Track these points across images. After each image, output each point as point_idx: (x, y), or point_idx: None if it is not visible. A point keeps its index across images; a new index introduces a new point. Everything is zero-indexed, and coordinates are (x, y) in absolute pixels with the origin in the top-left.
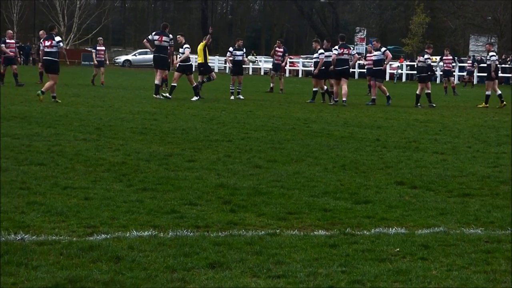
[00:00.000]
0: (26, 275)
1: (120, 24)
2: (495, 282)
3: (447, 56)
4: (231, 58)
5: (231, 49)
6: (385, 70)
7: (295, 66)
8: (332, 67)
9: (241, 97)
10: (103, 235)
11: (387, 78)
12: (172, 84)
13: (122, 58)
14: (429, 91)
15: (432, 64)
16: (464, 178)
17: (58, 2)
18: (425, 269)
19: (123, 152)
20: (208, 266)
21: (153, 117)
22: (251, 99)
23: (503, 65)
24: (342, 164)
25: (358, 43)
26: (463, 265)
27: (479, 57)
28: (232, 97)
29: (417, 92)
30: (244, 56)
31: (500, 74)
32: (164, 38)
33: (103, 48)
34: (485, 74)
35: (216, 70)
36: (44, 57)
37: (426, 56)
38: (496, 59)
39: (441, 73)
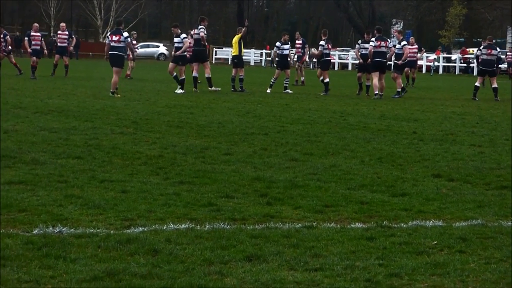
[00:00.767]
0: (65, 268)
1: (156, 18)
2: None
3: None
4: (278, 52)
5: (278, 44)
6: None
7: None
8: (369, 59)
9: (289, 91)
10: (140, 228)
11: (424, 70)
12: (180, 78)
13: None
14: (496, 86)
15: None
16: (501, 170)
17: None
18: (463, 262)
19: (159, 146)
20: (245, 259)
21: (189, 110)
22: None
23: None
24: (378, 157)
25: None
26: (501, 258)
27: None
28: (269, 90)
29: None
30: (290, 50)
31: None
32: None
33: (134, 42)
34: None
35: (251, 63)
36: (110, 51)
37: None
38: None
39: None
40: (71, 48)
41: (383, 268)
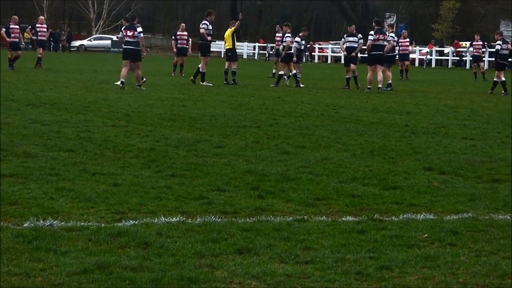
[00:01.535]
0: (55, 260)
1: (149, 11)
2: None
3: (477, 41)
4: (297, 47)
5: (298, 39)
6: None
7: (324, 52)
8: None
9: (302, 85)
10: (131, 221)
11: (416, 63)
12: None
13: (77, 43)
14: (504, 79)
15: None
16: (493, 163)
17: None
18: (454, 255)
19: (151, 138)
20: (236, 252)
21: (181, 103)
22: (279, 86)
23: None
24: (370, 150)
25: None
26: (492, 251)
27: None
28: (302, 85)
29: (496, 79)
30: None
31: None
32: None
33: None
34: None
35: (244, 57)
36: (127, 46)
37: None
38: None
39: (471, 58)
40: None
41: (374, 261)
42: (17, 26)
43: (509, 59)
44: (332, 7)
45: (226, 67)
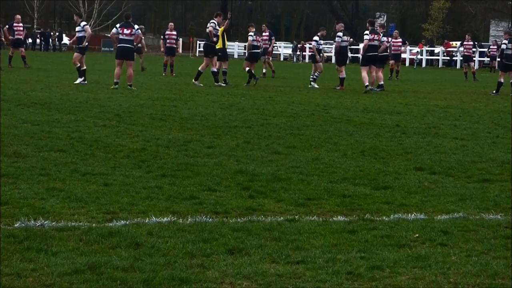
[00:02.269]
0: (46, 261)
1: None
2: None
3: (468, 41)
4: (318, 47)
5: (316, 38)
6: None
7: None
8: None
9: (316, 86)
10: (122, 221)
11: (407, 63)
12: (82, 68)
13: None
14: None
15: None
16: (483, 163)
17: None
18: (445, 255)
19: (142, 139)
20: (227, 252)
21: (172, 103)
22: (270, 85)
23: None
24: (361, 150)
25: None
26: (483, 250)
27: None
28: (316, 85)
29: (500, 80)
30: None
31: None
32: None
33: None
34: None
35: (235, 56)
36: (122, 44)
37: None
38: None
39: (461, 58)
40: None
41: (365, 261)
42: (21, 25)
43: None
44: (322, 6)
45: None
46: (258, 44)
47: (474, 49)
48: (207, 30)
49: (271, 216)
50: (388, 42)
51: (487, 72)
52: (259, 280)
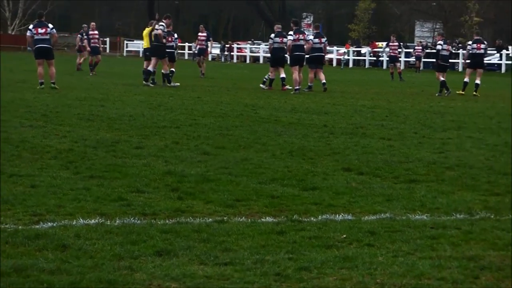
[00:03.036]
0: None
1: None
2: (440, 267)
3: (393, 42)
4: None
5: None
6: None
7: (242, 52)
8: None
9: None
10: (49, 223)
11: (334, 63)
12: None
13: None
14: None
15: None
16: (410, 164)
17: None
18: (371, 255)
19: (70, 139)
20: (155, 254)
21: (100, 103)
22: (198, 85)
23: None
24: (289, 151)
25: (304, 29)
26: (409, 251)
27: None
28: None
29: (442, 78)
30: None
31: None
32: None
33: (97, 32)
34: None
35: None
36: (40, 45)
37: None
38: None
39: (388, 59)
40: None
41: (293, 262)
42: (96, 32)
43: (450, 60)
44: (249, 6)
45: (144, 66)
46: (173, 44)
47: (399, 50)
48: (156, 32)
49: (199, 217)
50: (321, 42)
51: (413, 72)
52: (187, 282)
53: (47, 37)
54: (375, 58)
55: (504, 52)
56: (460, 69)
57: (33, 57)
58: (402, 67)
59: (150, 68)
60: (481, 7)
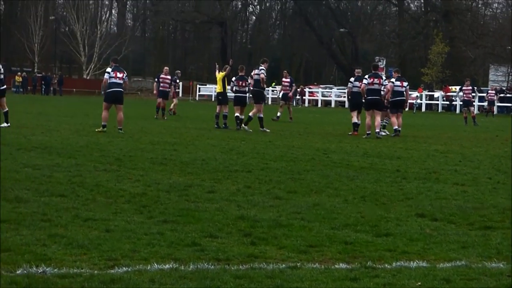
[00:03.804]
0: None
1: (140, 54)
2: None
3: (467, 86)
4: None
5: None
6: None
7: (314, 96)
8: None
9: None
10: (124, 268)
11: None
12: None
13: None
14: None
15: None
16: (485, 210)
17: (79, 32)
18: None
19: (143, 183)
20: None
21: (173, 147)
22: (270, 129)
23: None
24: (362, 196)
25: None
26: None
27: (499, 87)
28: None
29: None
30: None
31: None
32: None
33: (169, 77)
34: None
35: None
36: (115, 89)
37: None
38: None
39: (461, 103)
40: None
41: None
42: (168, 77)
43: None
44: (321, 50)
45: (217, 111)
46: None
47: (473, 94)
48: (259, 77)
49: (272, 263)
50: (403, 86)
51: (484, 116)
52: None
53: (122, 82)
54: (448, 102)
55: None
56: None
57: (103, 100)
58: (476, 111)
59: (250, 114)
60: None
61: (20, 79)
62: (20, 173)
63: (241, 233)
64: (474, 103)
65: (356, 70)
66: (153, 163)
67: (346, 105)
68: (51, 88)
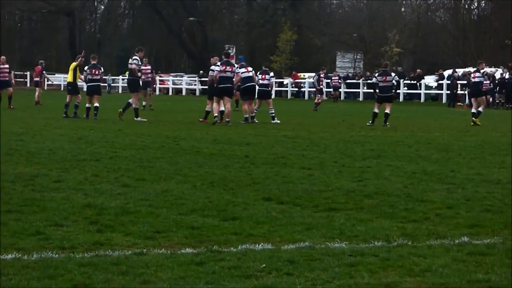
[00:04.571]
0: None
1: None
2: None
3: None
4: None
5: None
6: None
7: (165, 84)
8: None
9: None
10: None
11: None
12: None
13: None
14: (388, 111)
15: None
16: (330, 192)
17: None
18: (290, 284)
19: None
20: None
21: (19, 137)
22: (117, 118)
23: (368, 81)
24: (210, 181)
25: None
26: (327, 279)
27: (345, 73)
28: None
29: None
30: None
31: (365, 90)
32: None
33: (7, 66)
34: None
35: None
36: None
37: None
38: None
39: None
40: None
41: None
42: (7, 66)
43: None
44: (171, 39)
45: (67, 100)
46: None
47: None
48: (131, 66)
49: (119, 250)
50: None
51: (331, 102)
52: None
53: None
54: (297, 89)
55: (423, 82)
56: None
57: None
58: (324, 97)
59: (131, 101)
60: (401, 38)
61: None
62: None
63: (87, 221)
64: (324, 90)
65: (212, 58)
66: None
67: (197, 93)
68: None
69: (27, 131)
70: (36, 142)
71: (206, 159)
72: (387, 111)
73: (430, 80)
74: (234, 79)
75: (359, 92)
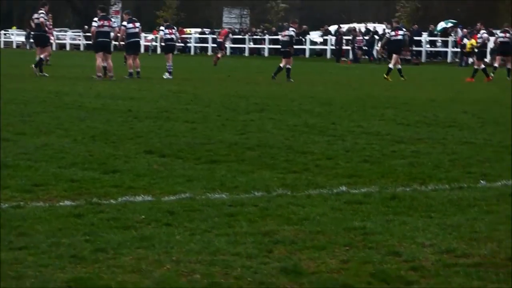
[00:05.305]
0: None
1: None
2: (235, 243)
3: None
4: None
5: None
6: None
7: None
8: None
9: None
10: None
11: (142, 50)
12: None
13: None
14: (290, 67)
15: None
16: (212, 145)
17: None
18: (169, 235)
19: None
20: None
21: None
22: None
23: (254, 37)
24: (92, 135)
25: (113, 15)
26: (206, 229)
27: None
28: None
29: (281, 65)
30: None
31: (251, 45)
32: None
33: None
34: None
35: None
36: None
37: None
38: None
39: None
40: None
41: (90, 244)
42: None
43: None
44: None
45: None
46: None
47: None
48: (39, 21)
49: None
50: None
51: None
52: None
53: None
54: (183, 45)
55: (308, 37)
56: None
57: None
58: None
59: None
60: None
61: None
62: None
63: None
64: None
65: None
66: None
67: (82, 48)
68: None
69: None
70: None
71: (88, 113)
72: (285, 65)
73: (315, 35)
74: (112, 34)
75: (245, 47)
